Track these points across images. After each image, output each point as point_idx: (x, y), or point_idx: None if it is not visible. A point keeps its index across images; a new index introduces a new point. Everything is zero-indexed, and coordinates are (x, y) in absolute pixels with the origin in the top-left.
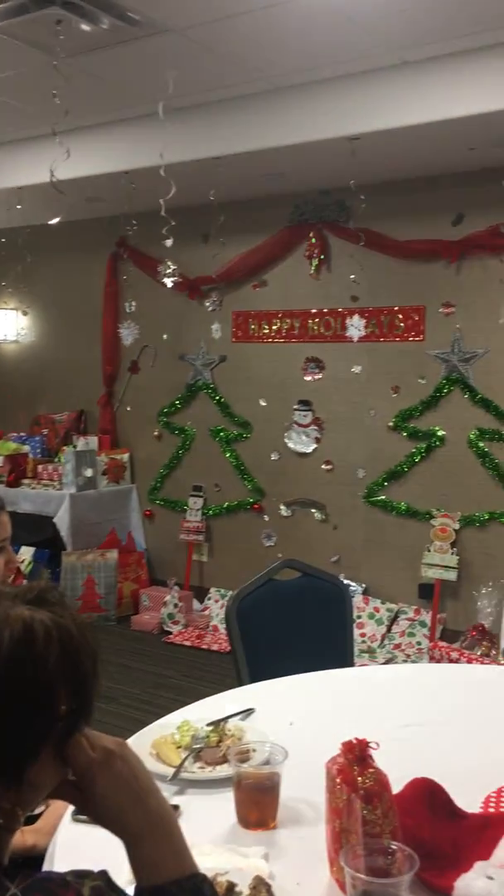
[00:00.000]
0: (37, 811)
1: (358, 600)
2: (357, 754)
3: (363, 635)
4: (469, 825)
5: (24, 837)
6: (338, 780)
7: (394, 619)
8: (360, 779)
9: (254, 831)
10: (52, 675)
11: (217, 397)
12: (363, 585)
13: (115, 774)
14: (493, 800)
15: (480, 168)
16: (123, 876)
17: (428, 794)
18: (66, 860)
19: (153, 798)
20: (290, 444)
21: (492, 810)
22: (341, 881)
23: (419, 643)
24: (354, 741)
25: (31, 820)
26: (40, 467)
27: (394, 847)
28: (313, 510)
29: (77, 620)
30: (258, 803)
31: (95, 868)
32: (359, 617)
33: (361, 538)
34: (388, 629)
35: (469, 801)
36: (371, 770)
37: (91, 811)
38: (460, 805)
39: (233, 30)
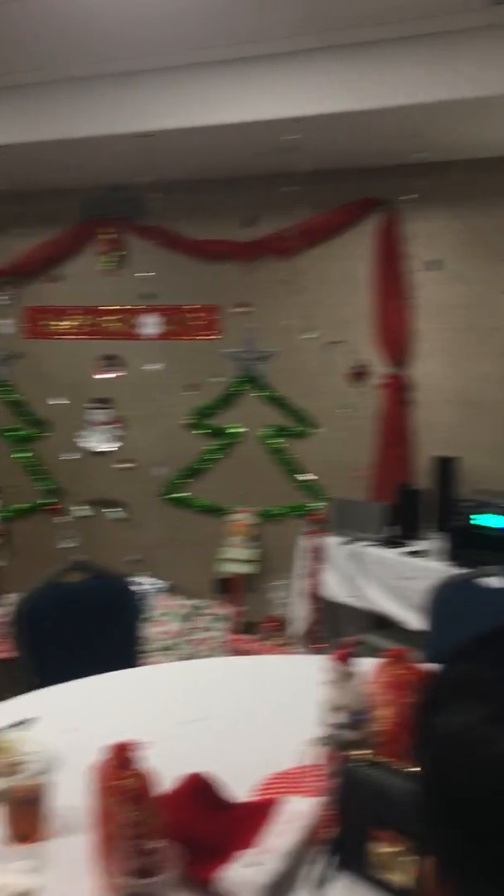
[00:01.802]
0: None
1: (159, 598)
2: (120, 756)
3: (164, 633)
4: (237, 815)
5: None
6: (102, 785)
7: (194, 615)
8: (123, 781)
9: (24, 845)
10: None
11: (12, 395)
12: (165, 583)
13: None
14: (264, 788)
15: (271, 172)
16: None
17: (197, 789)
18: None
19: None
20: (88, 443)
21: (260, 799)
22: (110, 886)
23: (218, 637)
24: (118, 743)
25: None
26: None
27: (157, 846)
28: (113, 509)
29: None
30: (26, 816)
31: None
32: (160, 615)
33: (162, 536)
34: (189, 625)
35: (244, 790)
36: (134, 771)
37: None
38: (236, 795)
39: (22, 14)
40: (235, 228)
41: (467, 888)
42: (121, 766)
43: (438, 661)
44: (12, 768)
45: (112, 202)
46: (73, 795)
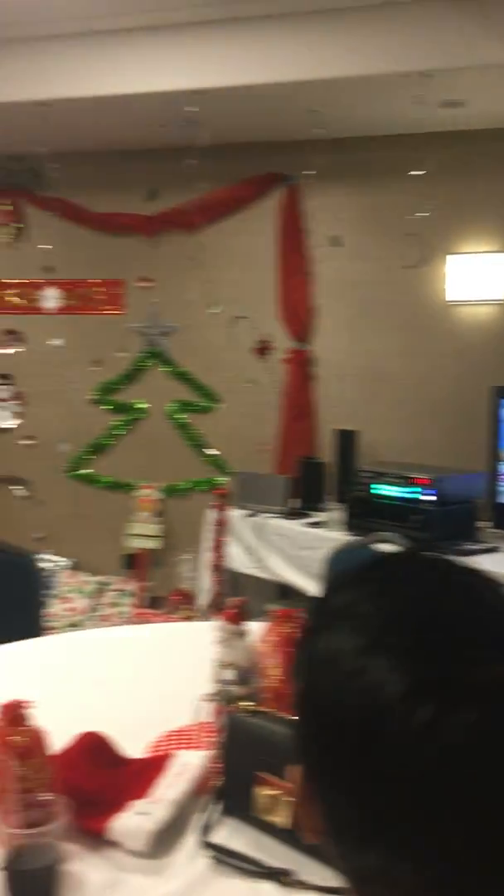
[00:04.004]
0: None
1: (65, 575)
2: (11, 714)
3: (71, 610)
4: (130, 770)
5: None
6: None
7: (101, 591)
8: (13, 738)
9: None
10: None
11: None
12: (70, 560)
13: None
14: (157, 745)
15: (172, 146)
16: None
17: (91, 746)
18: None
19: None
20: None
21: (154, 754)
22: (0, 839)
23: (125, 612)
24: (9, 702)
25: None
26: None
27: (48, 799)
28: (15, 486)
29: None
30: None
31: None
32: (66, 591)
33: (67, 513)
34: (96, 601)
35: (139, 748)
36: (24, 728)
37: None
38: (130, 754)
39: None
40: (137, 202)
41: (323, 797)
42: (11, 723)
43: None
44: None
45: (10, 172)
46: None
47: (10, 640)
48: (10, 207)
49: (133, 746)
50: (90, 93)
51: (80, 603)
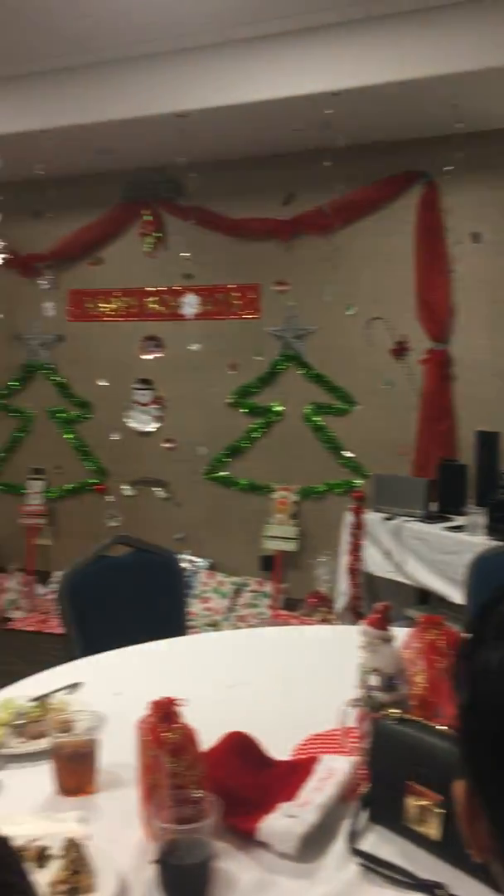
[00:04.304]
0: None
1: (203, 575)
2: (164, 712)
3: (209, 609)
4: (277, 772)
5: None
6: (146, 738)
7: (238, 592)
8: (166, 734)
9: (72, 798)
10: None
11: (56, 378)
12: (208, 561)
13: None
14: (302, 748)
15: (307, 149)
16: None
17: (239, 746)
18: None
19: None
20: (132, 424)
21: (300, 757)
22: (153, 834)
23: (262, 613)
24: (162, 700)
25: None
26: None
27: (199, 796)
28: (156, 488)
29: None
30: (75, 771)
31: None
32: (204, 591)
33: (205, 514)
34: (233, 602)
35: (283, 750)
36: (177, 725)
37: None
38: (273, 755)
39: (46, 3)
40: (273, 206)
41: (492, 808)
42: (164, 720)
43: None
44: (63, 725)
45: (150, 184)
46: (117, 754)
47: (156, 638)
48: (151, 218)
49: (276, 748)
50: (227, 101)
51: (218, 603)
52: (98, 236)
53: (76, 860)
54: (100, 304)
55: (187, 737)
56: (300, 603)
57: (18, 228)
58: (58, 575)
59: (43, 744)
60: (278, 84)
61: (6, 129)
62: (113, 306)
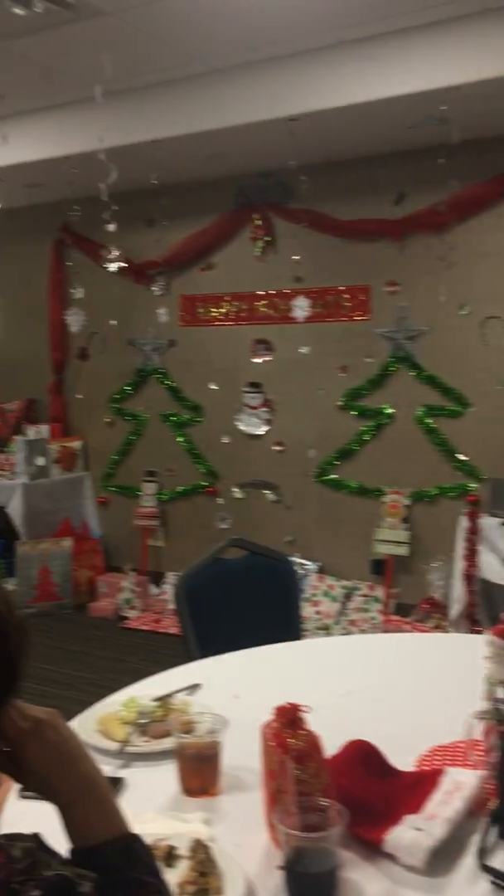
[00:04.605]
0: None
1: (313, 579)
2: (289, 717)
3: (319, 613)
4: (401, 783)
5: None
6: (271, 744)
7: (348, 596)
8: (291, 740)
9: (196, 799)
10: None
11: (167, 382)
12: (318, 564)
13: (45, 742)
14: (426, 759)
15: (419, 147)
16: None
17: (362, 755)
18: None
19: (83, 763)
20: (242, 427)
21: (425, 769)
22: (278, 839)
23: (374, 618)
24: (287, 705)
25: None
26: None
27: (325, 804)
28: (266, 491)
29: (4, 596)
30: (200, 772)
31: None
32: (314, 595)
33: (314, 517)
34: (343, 606)
35: (404, 761)
36: (302, 732)
37: (24, 780)
38: (395, 765)
39: (168, 12)
40: (384, 206)
41: None
42: (289, 726)
43: None
44: (186, 726)
45: (260, 188)
46: (237, 756)
47: (271, 642)
48: (260, 222)
49: (397, 758)
50: (339, 103)
51: (328, 607)
52: (209, 242)
53: (204, 862)
54: (211, 309)
55: (312, 744)
56: (412, 609)
57: (132, 237)
58: (170, 576)
59: (166, 744)
60: (392, 83)
61: (121, 141)
62: (223, 311)
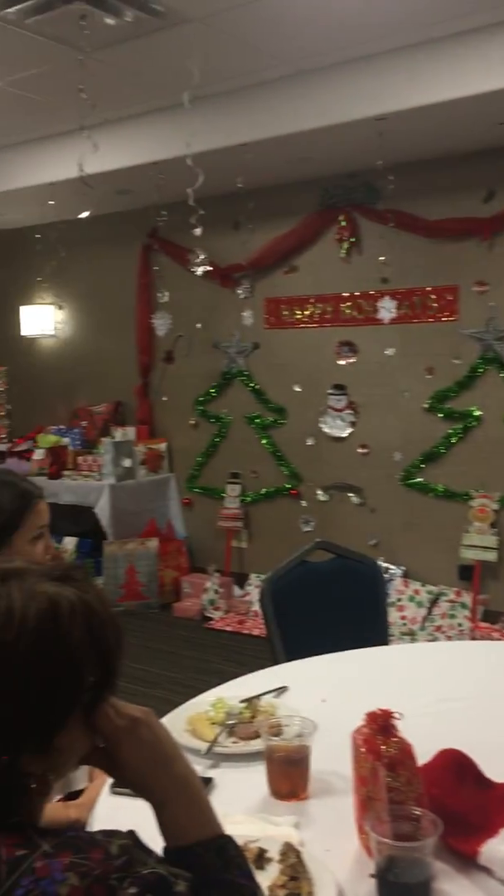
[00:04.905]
0: (80, 787)
1: (398, 583)
2: (381, 724)
3: (403, 618)
4: (496, 794)
5: (67, 811)
6: (363, 750)
7: (434, 602)
8: (383, 747)
9: (285, 802)
10: (77, 647)
11: (252, 384)
12: (402, 568)
13: (140, 740)
14: None
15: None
16: (159, 843)
17: (455, 765)
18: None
19: (178, 763)
20: (326, 429)
21: None
22: (368, 847)
23: (460, 625)
24: (378, 711)
25: (75, 796)
26: (80, 459)
27: (418, 813)
28: (350, 494)
29: (100, 596)
30: (289, 775)
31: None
32: (399, 600)
33: (399, 521)
34: (429, 611)
35: (499, 771)
36: (395, 739)
37: (119, 776)
38: (489, 776)
39: (254, 16)
40: (473, 204)
41: None
42: (381, 732)
43: None
44: (275, 729)
45: (345, 189)
46: (325, 761)
47: (357, 646)
48: (345, 223)
49: (491, 769)
50: (427, 101)
51: (414, 612)
52: (294, 244)
53: (295, 866)
54: (295, 312)
55: (405, 751)
56: (501, 616)
57: (218, 240)
58: (253, 577)
59: (255, 745)
60: (482, 79)
61: (208, 145)
62: (308, 313)
